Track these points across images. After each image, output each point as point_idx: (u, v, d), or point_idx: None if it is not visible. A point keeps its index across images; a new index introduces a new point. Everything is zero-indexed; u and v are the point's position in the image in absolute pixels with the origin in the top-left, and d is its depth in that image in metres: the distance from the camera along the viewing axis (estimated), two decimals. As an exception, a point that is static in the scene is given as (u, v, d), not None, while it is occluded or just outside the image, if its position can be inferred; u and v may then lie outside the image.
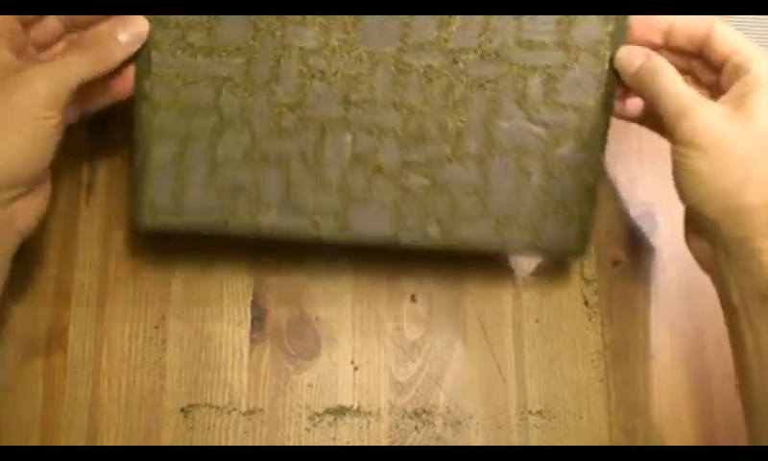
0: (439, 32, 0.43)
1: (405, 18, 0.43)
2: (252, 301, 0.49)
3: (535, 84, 0.44)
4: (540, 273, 0.50)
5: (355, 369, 0.48)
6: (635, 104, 0.45)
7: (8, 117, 0.40)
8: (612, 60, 0.43)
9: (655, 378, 0.48)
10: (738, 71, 0.40)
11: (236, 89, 0.43)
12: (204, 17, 0.42)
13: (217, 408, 0.47)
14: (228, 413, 0.47)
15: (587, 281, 0.50)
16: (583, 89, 0.44)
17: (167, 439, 0.47)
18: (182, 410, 0.47)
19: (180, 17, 0.42)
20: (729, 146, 0.38)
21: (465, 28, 0.43)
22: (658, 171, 0.52)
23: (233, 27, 0.43)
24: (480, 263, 0.50)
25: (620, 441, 0.47)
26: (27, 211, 0.42)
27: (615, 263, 0.50)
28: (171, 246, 0.49)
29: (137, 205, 0.44)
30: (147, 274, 0.49)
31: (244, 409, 0.47)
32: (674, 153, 0.40)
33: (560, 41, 0.43)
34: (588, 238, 0.46)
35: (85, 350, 0.48)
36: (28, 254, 0.49)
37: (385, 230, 0.45)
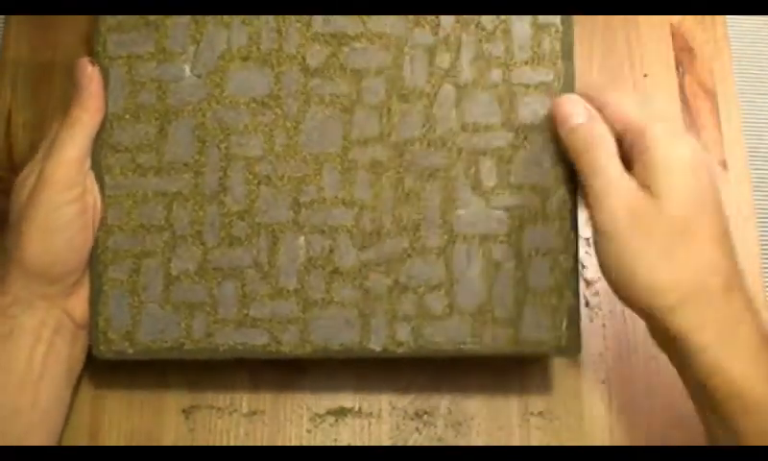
0: (381, 126, 0.44)
1: (345, 117, 0.44)
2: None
3: (487, 167, 0.43)
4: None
5: (356, 369, 0.48)
6: None
7: (38, 213, 0.41)
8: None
9: (655, 380, 0.49)
10: (636, 148, 0.38)
11: (186, 204, 0.44)
12: (152, 138, 0.44)
13: (218, 409, 0.47)
14: (230, 414, 0.47)
15: (588, 283, 0.50)
16: (539, 168, 0.43)
17: (168, 440, 0.47)
18: (184, 411, 0.47)
19: (129, 140, 0.44)
20: (644, 238, 0.37)
21: (406, 118, 0.44)
22: (658, 172, 0.52)
23: (180, 144, 0.44)
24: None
25: (621, 442, 0.47)
26: (83, 303, 0.44)
27: (616, 264, 0.50)
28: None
29: (94, 334, 0.44)
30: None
31: (245, 410, 0.47)
32: (595, 245, 0.39)
33: (505, 121, 0.43)
34: (578, 329, 0.43)
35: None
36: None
37: (350, 336, 0.43)
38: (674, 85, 0.53)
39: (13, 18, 0.53)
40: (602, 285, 0.50)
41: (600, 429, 0.48)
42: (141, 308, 0.43)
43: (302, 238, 0.43)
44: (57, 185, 0.41)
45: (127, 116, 0.44)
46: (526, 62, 0.44)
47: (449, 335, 0.43)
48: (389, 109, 0.44)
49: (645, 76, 0.53)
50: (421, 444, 0.47)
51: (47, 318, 0.42)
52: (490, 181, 0.43)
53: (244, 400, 0.47)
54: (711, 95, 0.53)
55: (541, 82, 0.43)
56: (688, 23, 0.54)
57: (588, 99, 0.41)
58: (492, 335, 0.43)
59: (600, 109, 0.40)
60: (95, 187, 0.44)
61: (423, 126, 0.44)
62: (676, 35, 0.54)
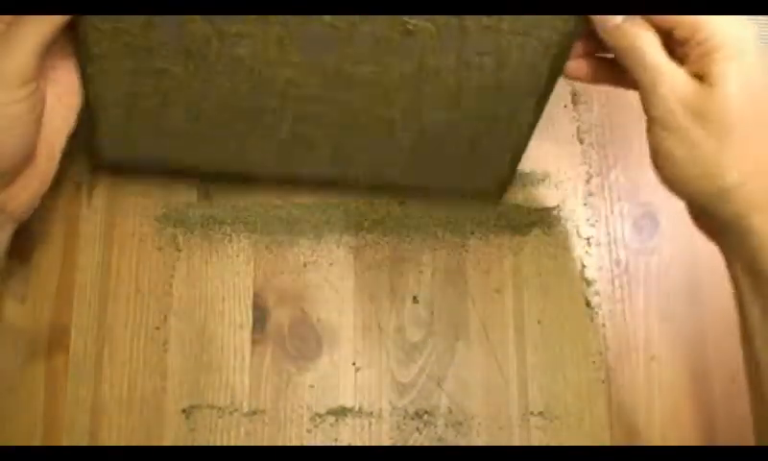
0: None
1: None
2: (254, 302, 0.49)
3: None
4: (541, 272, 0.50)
5: (357, 370, 0.48)
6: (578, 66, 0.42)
7: None
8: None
9: (656, 379, 0.49)
10: (690, 41, 0.37)
11: (175, 82, 0.42)
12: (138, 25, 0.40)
13: (219, 409, 0.47)
14: (230, 414, 0.47)
15: (588, 282, 0.50)
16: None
17: (169, 440, 0.47)
18: (184, 411, 0.47)
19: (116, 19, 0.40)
20: (702, 124, 0.36)
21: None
22: (659, 172, 0.52)
23: (167, 48, 0.41)
24: (481, 262, 0.50)
25: (621, 441, 0.47)
26: (19, 196, 0.41)
27: (617, 264, 0.50)
28: (172, 246, 0.49)
29: (94, 140, 0.45)
30: (148, 275, 0.49)
31: (246, 410, 0.47)
32: (648, 133, 0.39)
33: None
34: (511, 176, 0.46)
35: (87, 350, 0.48)
36: (29, 254, 0.49)
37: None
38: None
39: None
40: (602, 285, 0.50)
41: (600, 429, 0.48)
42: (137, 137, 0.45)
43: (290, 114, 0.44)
44: (7, 80, 0.38)
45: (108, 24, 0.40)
46: None
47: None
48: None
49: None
50: (422, 443, 0.47)
51: None
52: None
53: (244, 400, 0.47)
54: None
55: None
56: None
57: None
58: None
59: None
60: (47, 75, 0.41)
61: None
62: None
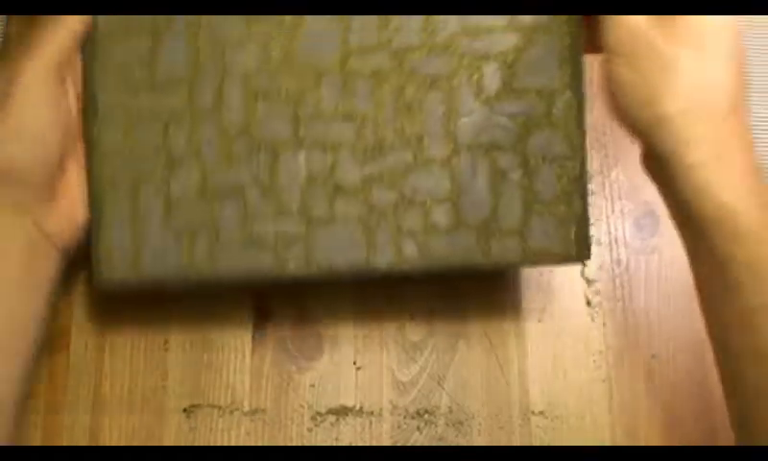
0: (379, 34, 0.42)
1: (345, 21, 0.42)
2: (255, 301, 0.49)
3: (490, 73, 0.42)
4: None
5: (357, 369, 0.48)
6: None
7: (9, 114, 0.39)
8: (574, 35, 0.41)
9: (656, 379, 0.49)
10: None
11: (182, 122, 0.42)
12: (145, 53, 0.42)
13: (219, 408, 0.47)
14: (231, 413, 0.47)
15: (589, 282, 0.50)
16: (544, 71, 0.42)
17: (169, 439, 0.47)
18: (185, 410, 0.47)
19: (121, 56, 0.42)
20: (651, 50, 0.37)
21: (405, 25, 0.42)
22: (660, 172, 0.52)
23: (173, 60, 0.42)
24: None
25: (622, 441, 0.47)
26: (59, 218, 0.41)
27: (618, 263, 0.50)
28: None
29: (95, 262, 0.42)
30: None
31: (246, 409, 0.47)
32: (602, 62, 0.38)
33: (509, 23, 0.42)
34: (587, 238, 0.42)
35: (88, 350, 0.48)
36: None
37: (356, 254, 0.41)
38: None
39: (15, 17, 0.53)
40: (603, 285, 0.50)
41: (600, 429, 0.48)
42: (143, 235, 0.41)
43: (303, 154, 0.42)
44: (33, 86, 0.39)
45: (118, 33, 0.42)
46: None
47: (456, 249, 0.41)
48: (386, 17, 0.42)
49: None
50: (422, 443, 0.47)
51: (13, 227, 0.40)
52: (493, 86, 0.42)
53: (245, 399, 0.47)
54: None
55: None
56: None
57: None
58: (499, 247, 0.41)
59: None
60: (75, 97, 0.42)
61: (424, 31, 0.42)
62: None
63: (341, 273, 0.42)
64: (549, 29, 0.42)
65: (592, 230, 0.50)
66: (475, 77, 0.42)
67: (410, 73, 0.42)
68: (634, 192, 0.52)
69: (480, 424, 0.47)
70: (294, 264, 0.42)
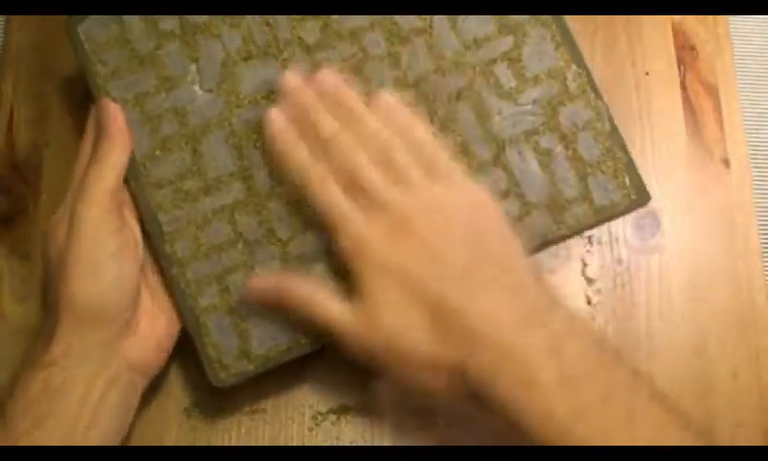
0: (394, 72, 0.45)
1: (359, 76, 0.44)
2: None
3: (502, 72, 0.45)
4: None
5: (358, 368, 0.48)
6: None
7: (80, 252, 0.40)
8: (558, 21, 0.45)
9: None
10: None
11: (247, 209, 0.43)
12: (189, 162, 0.44)
13: (220, 407, 0.47)
14: (231, 412, 0.47)
15: (589, 281, 0.50)
16: (545, 56, 0.45)
17: (170, 438, 0.47)
18: (185, 410, 0.47)
19: (168, 173, 0.44)
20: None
21: (414, 57, 0.45)
22: (661, 170, 0.52)
23: (218, 158, 0.44)
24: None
25: (623, 440, 0.47)
26: (144, 351, 0.43)
27: (618, 263, 0.50)
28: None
29: (208, 365, 0.43)
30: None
31: (247, 409, 0.47)
32: None
33: (500, 28, 0.45)
34: (641, 181, 0.45)
35: (88, 349, 0.47)
36: (30, 253, 0.49)
37: None
38: (676, 84, 0.53)
39: (15, 16, 0.53)
40: (603, 284, 0.50)
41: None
42: (245, 325, 0.43)
43: None
44: (94, 220, 0.41)
45: (157, 152, 0.44)
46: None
47: (535, 231, 0.44)
48: (395, 54, 0.45)
49: (647, 74, 0.53)
50: (423, 442, 0.47)
51: (102, 368, 0.41)
52: (510, 82, 0.45)
53: (245, 399, 0.47)
54: (713, 93, 0.53)
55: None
56: (690, 21, 0.54)
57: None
58: (572, 216, 0.44)
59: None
60: (135, 222, 0.43)
61: (430, 57, 0.45)
62: (677, 33, 0.54)
63: None
64: (533, 23, 0.45)
65: (594, 230, 0.51)
66: (491, 80, 0.45)
67: (433, 96, 0.45)
68: (634, 192, 0.52)
69: (481, 423, 0.47)
70: None
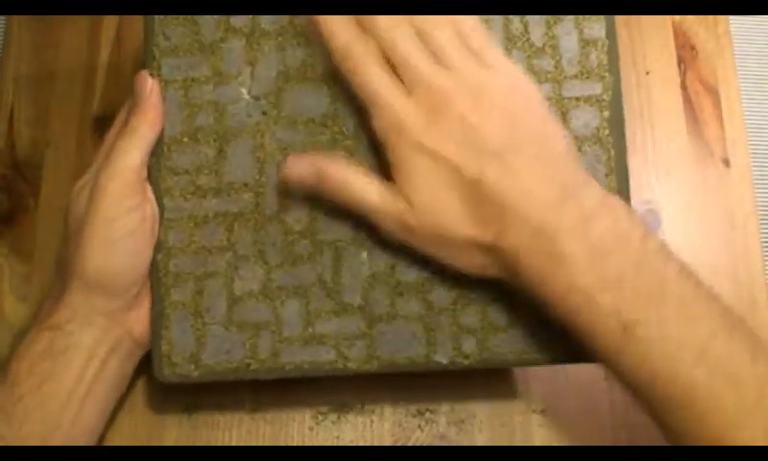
0: None
1: None
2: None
3: None
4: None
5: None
6: None
7: (97, 224, 0.41)
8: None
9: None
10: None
11: (247, 224, 0.43)
12: (211, 159, 0.43)
13: (220, 407, 0.47)
14: (232, 412, 0.47)
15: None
16: (595, 175, 0.42)
17: (170, 438, 0.47)
18: (186, 410, 0.47)
19: (188, 162, 0.43)
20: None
21: None
22: (662, 170, 0.52)
23: (239, 165, 0.43)
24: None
25: (622, 441, 0.47)
26: (144, 323, 0.43)
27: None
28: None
29: (157, 357, 0.43)
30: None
31: (247, 408, 0.47)
32: None
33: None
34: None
35: (88, 349, 0.47)
36: (30, 253, 0.49)
37: (417, 350, 0.42)
38: (676, 83, 0.53)
39: (15, 16, 0.54)
40: (604, 283, 0.50)
41: (602, 428, 0.47)
42: (205, 330, 0.43)
43: (365, 254, 0.43)
44: (115, 195, 0.41)
45: (185, 139, 0.44)
46: (575, 76, 0.43)
47: (514, 346, 0.43)
48: None
49: (647, 73, 0.53)
50: (423, 441, 0.47)
51: (105, 336, 0.41)
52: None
53: (246, 398, 0.47)
54: (713, 92, 0.53)
55: (590, 94, 0.43)
56: (690, 20, 0.54)
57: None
58: (555, 343, 0.42)
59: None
60: (154, 199, 0.43)
61: None
62: (678, 32, 0.54)
63: (401, 367, 0.43)
64: (596, 139, 0.43)
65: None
66: None
67: None
68: (634, 191, 0.51)
69: (481, 423, 0.47)
70: (355, 361, 0.43)
